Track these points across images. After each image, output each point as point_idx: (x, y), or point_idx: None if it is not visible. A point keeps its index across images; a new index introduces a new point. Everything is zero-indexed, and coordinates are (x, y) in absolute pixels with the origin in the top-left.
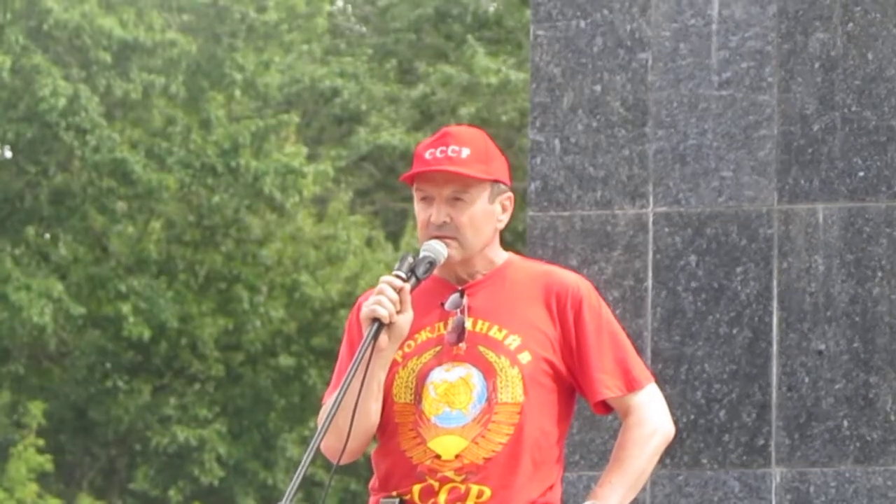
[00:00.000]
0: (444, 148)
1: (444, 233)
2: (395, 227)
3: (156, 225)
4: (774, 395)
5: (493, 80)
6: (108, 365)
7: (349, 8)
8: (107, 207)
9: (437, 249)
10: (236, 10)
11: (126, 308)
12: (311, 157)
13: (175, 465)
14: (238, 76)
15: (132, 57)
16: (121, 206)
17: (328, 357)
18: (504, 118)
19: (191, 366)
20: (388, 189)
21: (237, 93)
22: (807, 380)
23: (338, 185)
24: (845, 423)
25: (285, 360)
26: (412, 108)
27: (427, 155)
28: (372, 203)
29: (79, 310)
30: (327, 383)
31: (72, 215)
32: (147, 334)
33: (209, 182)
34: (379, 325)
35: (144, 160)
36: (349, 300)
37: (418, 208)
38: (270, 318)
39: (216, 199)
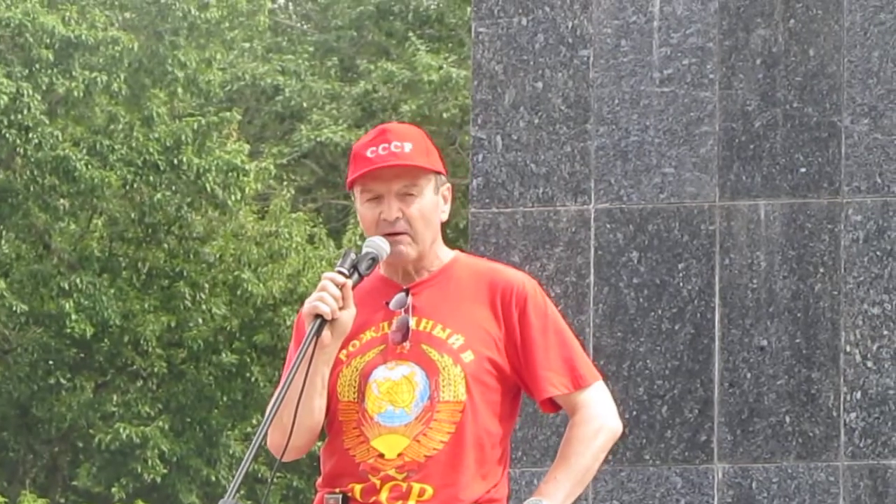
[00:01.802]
0: (385, 145)
1: (397, 229)
2: (338, 223)
3: (98, 222)
4: (717, 391)
5: (435, 76)
6: (51, 362)
7: (290, 5)
8: (49, 205)
9: (379, 245)
10: (178, 7)
11: (69, 305)
12: (253, 155)
13: (118, 462)
14: (180, 74)
15: (74, 54)
16: (63, 203)
17: (270, 354)
18: (445, 115)
19: (133, 363)
20: (330, 186)
21: (179, 90)
22: (749, 376)
23: (280, 183)
24: (787, 418)
25: (227, 357)
26: (354, 105)
27: (369, 153)
28: (314, 200)
29: (21, 307)
30: (269, 380)
31: (14, 213)
32: (90, 331)
33: (151, 179)
34: (321, 321)
35: (87, 157)
36: (291, 297)
37: (365, 209)
38: (213, 315)
39: (158, 196)
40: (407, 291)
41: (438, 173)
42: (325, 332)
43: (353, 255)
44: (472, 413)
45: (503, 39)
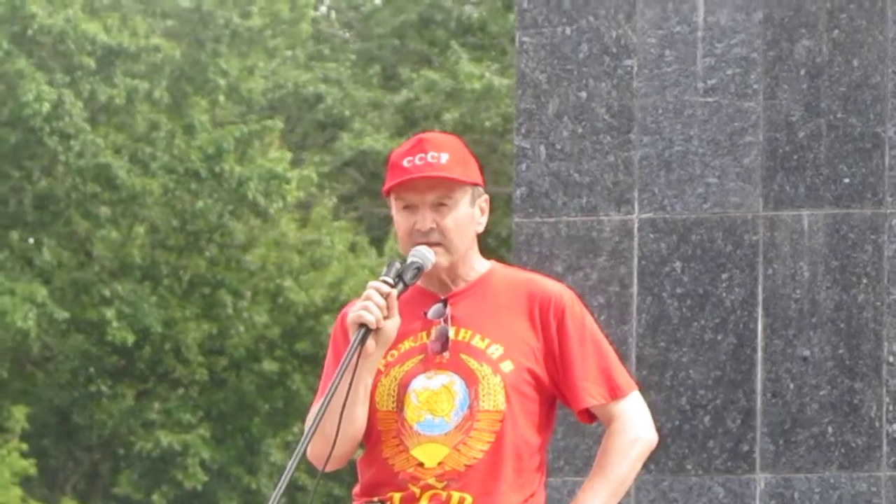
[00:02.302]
0: (422, 155)
1: (430, 239)
2: (379, 232)
3: (140, 230)
4: (759, 401)
5: (477, 85)
6: (92, 369)
7: (333, 14)
8: (91, 212)
9: (424, 255)
10: (220, 15)
11: (110, 313)
12: (295, 163)
13: (158, 469)
14: (222, 81)
15: (116, 62)
16: (105, 210)
17: (312, 362)
18: (487, 123)
19: (174, 370)
20: (372, 194)
21: (221, 98)
22: (791, 386)
23: (321, 191)
24: (830, 429)
25: (269, 366)
26: (396, 114)
27: (405, 163)
28: (356, 208)
29: (62, 314)
30: (311, 389)
31: (56, 220)
32: (131, 339)
33: (193, 187)
34: (366, 330)
35: (128, 165)
36: (333, 305)
37: (400, 217)
38: (254, 324)
39: (200, 204)
40: (445, 301)
41: (475, 185)
42: (370, 342)
43: (397, 265)
44: (511, 422)
45: (547, 49)
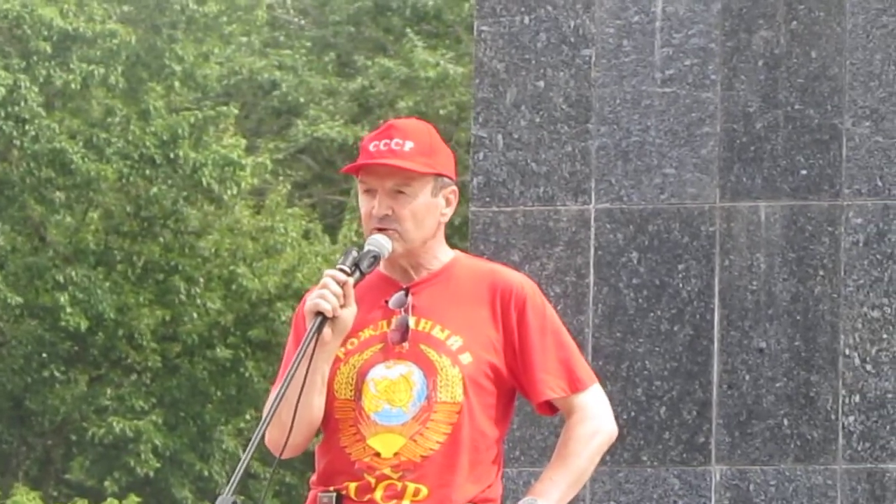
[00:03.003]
0: (387, 141)
1: (385, 225)
2: (333, 219)
3: (94, 215)
4: (715, 392)
5: (432, 73)
6: (45, 355)
7: (288, 0)
8: (45, 197)
9: (381, 244)
10: (176, 1)
11: (63, 298)
12: (250, 149)
13: (111, 455)
14: (177, 67)
15: (72, 47)
16: (59, 196)
17: (265, 349)
18: (442, 112)
19: (127, 356)
20: (326, 181)
21: (176, 84)
22: (747, 378)
23: (276, 178)
24: (786, 421)
25: (222, 352)
26: (351, 101)
27: (371, 147)
28: (310, 196)
29: (16, 299)
30: (264, 375)
31: (10, 205)
32: (84, 324)
33: (147, 173)
34: (322, 318)
35: (83, 150)
36: (286, 292)
37: (361, 200)
38: (207, 310)
39: (154, 190)
40: (406, 291)
41: (439, 175)
42: (326, 330)
43: (354, 253)
44: (468, 414)
45: (505, 38)
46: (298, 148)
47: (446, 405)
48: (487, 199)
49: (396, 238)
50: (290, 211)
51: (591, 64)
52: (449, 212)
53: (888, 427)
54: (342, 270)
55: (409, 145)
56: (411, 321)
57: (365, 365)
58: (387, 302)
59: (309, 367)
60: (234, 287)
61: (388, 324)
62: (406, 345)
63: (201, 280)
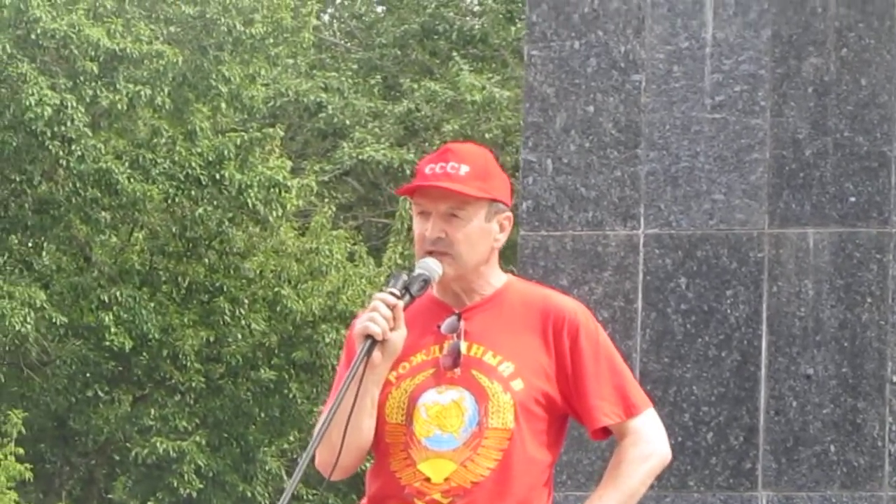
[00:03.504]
0: (443, 164)
1: (437, 248)
2: (378, 241)
3: (139, 236)
4: (762, 418)
5: (478, 97)
6: (89, 374)
7: (335, 23)
8: (91, 217)
9: (431, 267)
10: (223, 22)
11: (108, 318)
12: (295, 171)
13: (154, 476)
14: (224, 88)
15: (119, 67)
16: (104, 216)
17: (308, 371)
18: (488, 135)
19: (171, 377)
20: (371, 204)
21: (223, 105)
22: (794, 404)
23: (321, 199)
24: (832, 447)
25: (266, 373)
26: (396, 124)
27: (427, 170)
28: (354, 218)
29: (61, 319)
30: (307, 397)
31: (56, 224)
32: (128, 344)
33: (193, 194)
34: (372, 341)
35: (129, 171)
36: (330, 314)
37: (415, 222)
38: (252, 331)
39: (200, 210)
40: (459, 316)
41: (494, 200)
42: (376, 353)
43: (404, 276)
44: (519, 441)
45: (555, 63)
46: (344, 170)
47: (497, 431)
48: (536, 224)
49: (449, 262)
50: (334, 233)
51: (641, 89)
52: (503, 237)
53: None
54: (392, 293)
55: (464, 169)
56: (463, 346)
57: (416, 390)
58: (439, 327)
59: (359, 390)
60: (278, 308)
61: (440, 349)
62: (458, 370)
63: (246, 301)
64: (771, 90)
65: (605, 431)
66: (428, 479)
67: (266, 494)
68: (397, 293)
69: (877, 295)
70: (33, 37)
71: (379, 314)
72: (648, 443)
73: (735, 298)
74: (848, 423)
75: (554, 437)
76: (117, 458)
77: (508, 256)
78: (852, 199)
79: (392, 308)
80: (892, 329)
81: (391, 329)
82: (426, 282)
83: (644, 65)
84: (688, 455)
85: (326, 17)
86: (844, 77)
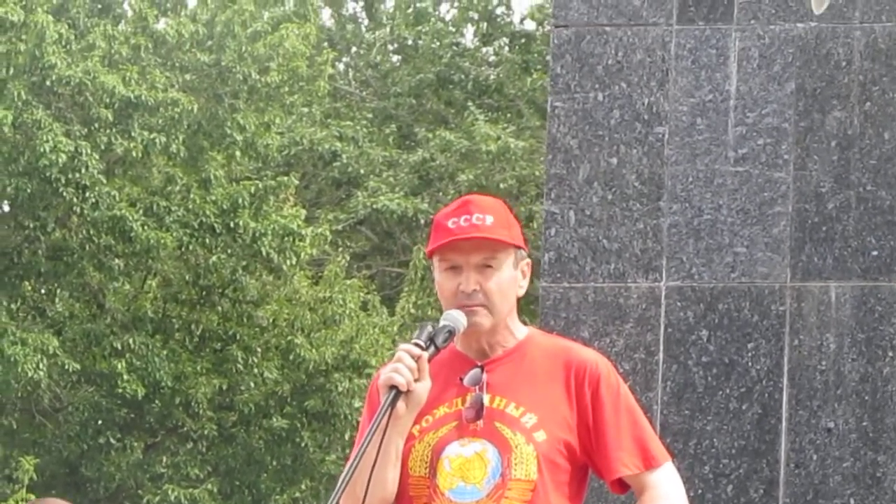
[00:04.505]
0: (467, 216)
1: (473, 301)
2: (391, 291)
3: (152, 283)
4: (782, 471)
5: (493, 146)
6: (101, 421)
7: (350, 72)
8: (104, 264)
9: (456, 319)
10: (239, 70)
11: (121, 365)
12: (309, 220)
13: None
14: (238, 137)
15: (133, 114)
16: (118, 263)
17: (321, 420)
18: (502, 185)
19: (184, 424)
20: (385, 253)
21: (237, 153)
22: (815, 457)
23: (335, 248)
24: (852, 501)
25: (278, 422)
26: (411, 173)
27: (451, 224)
28: (368, 267)
29: (73, 365)
30: (319, 446)
31: (69, 271)
32: (141, 392)
33: (207, 241)
34: (396, 392)
35: (143, 218)
36: (343, 363)
37: (443, 278)
38: (264, 380)
39: (213, 258)
40: (482, 368)
41: (518, 248)
42: (400, 404)
43: (429, 328)
44: (542, 492)
45: (579, 114)
46: (358, 219)
47: (521, 483)
48: (558, 275)
49: (484, 314)
50: (348, 282)
51: (665, 141)
52: (525, 284)
53: None
54: (417, 345)
55: (489, 219)
56: (486, 399)
57: (440, 442)
58: (461, 379)
59: (382, 441)
60: (291, 357)
61: (463, 401)
62: (481, 422)
63: (259, 349)
64: (794, 143)
65: (624, 484)
66: None
67: None
68: (422, 344)
69: None
70: (48, 83)
71: (404, 365)
72: (667, 497)
73: (756, 351)
74: (868, 477)
75: (576, 489)
76: None
77: (523, 308)
78: (874, 252)
79: (417, 359)
80: None
81: (416, 380)
82: (451, 333)
83: (667, 117)
84: None
85: (342, 66)
86: (868, 131)
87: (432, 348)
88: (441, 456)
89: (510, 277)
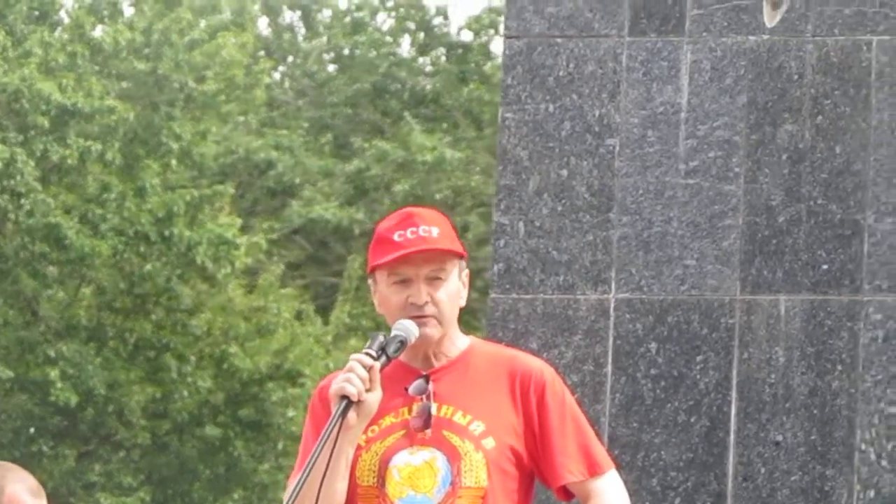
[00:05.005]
0: (413, 229)
1: (425, 312)
2: (325, 300)
3: (87, 291)
4: (730, 484)
5: (429, 157)
6: (34, 429)
7: (287, 81)
8: (38, 271)
9: (408, 329)
10: (175, 79)
11: (54, 373)
12: (245, 229)
13: None
14: (174, 145)
15: (70, 122)
16: (52, 270)
17: (254, 429)
18: (438, 196)
19: (117, 433)
20: (320, 263)
21: (173, 162)
22: (763, 470)
23: (269, 258)
24: None
25: (212, 431)
26: (346, 183)
27: (397, 237)
28: (303, 276)
29: (6, 373)
30: (252, 455)
31: (3, 278)
32: (74, 400)
33: (142, 250)
34: (348, 402)
35: (78, 226)
36: (277, 372)
37: (390, 291)
38: (198, 388)
39: (148, 267)
40: (427, 377)
41: (461, 258)
42: (351, 414)
43: (381, 338)
44: (492, 499)
45: (529, 125)
46: (293, 228)
47: (471, 490)
48: (507, 286)
49: (434, 325)
50: (282, 291)
51: (615, 153)
52: (465, 294)
53: None
54: (368, 354)
55: (435, 231)
56: (433, 407)
57: (388, 452)
58: (406, 389)
59: (333, 452)
60: (225, 366)
61: (409, 411)
62: (429, 431)
63: (193, 358)
64: (745, 156)
65: (568, 491)
66: None
67: None
68: (374, 354)
69: (847, 363)
70: None
71: (355, 375)
72: None
73: (705, 364)
74: (816, 491)
75: (523, 496)
76: None
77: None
78: (825, 266)
79: (368, 369)
80: (861, 397)
81: (367, 390)
82: (403, 343)
83: (618, 129)
84: None
85: (278, 75)
86: (819, 144)
87: (384, 358)
88: (389, 465)
89: (456, 288)
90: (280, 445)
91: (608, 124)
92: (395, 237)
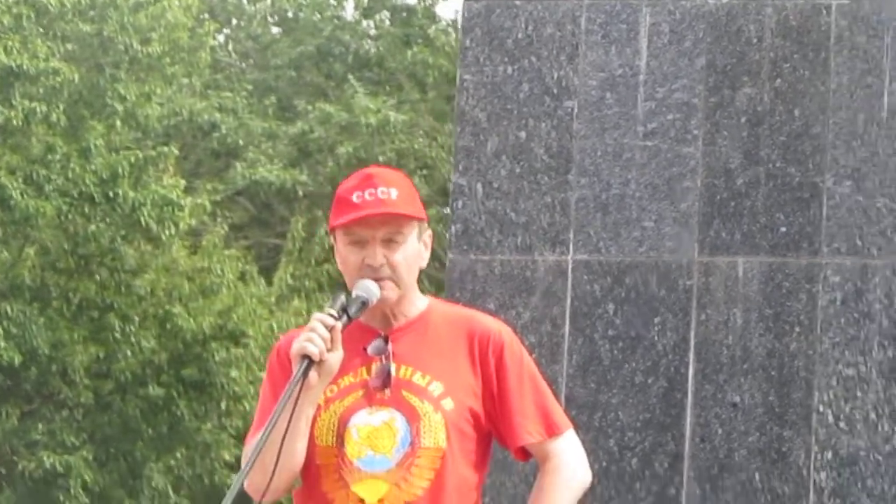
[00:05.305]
0: (372, 190)
1: (380, 275)
2: (268, 262)
3: (31, 251)
4: (687, 445)
5: (372, 119)
6: None
7: (231, 43)
8: None
9: (370, 289)
10: (120, 41)
11: None
12: (189, 190)
13: (40, 490)
14: (119, 107)
15: (14, 84)
16: None
17: (198, 389)
18: (381, 158)
19: (60, 392)
20: (263, 224)
21: (118, 123)
22: (720, 431)
23: (213, 219)
24: (757, 475)
25: (154, 391)
26: (290, 145)
27: (355, 198)
28: (246, 238)
29: None
30: (196, 415)
31: None
32: (18, 359)
33: (86, 211)
34: (309, 361)
35: (22, 186)
36: (221, 333)
37: (347, 251)
38: (141, 348)
39: (92, 227)
40: (386, 338)
41: (421, 220)
42: (312, 374)
43: (342, 298)
44: (451, 460)
45: (488, 87)
46: (236, 190)
47: (430, 451)
48: (465, 247)
49: (391, 287)
50: (226, 252)
51: (574, 116)
52: (426, 256)
53: (859, 484)
54: (330, 314)
55: (394, 193)
56: (392, 368)
57: (346, 412)
58: (365, 349)
59: (294, 412)
60: (168, 326)
61: (368, 371)
62: (388, 391)
63: (136, 318)
64: (704, 119)
65: (526, 451)
66: (362, 501)
67: None
68: (335, 314)
69: (805, 325)
70: None
71: (317, 334)
72: (569, 467)
73: (663, 326)
74: (773, 452)
75: (481, 457)
76: (3, 471)
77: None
78: (783, 229)
79: (330, 329)
80: (819, 359)
81: (329, 350)
82: (364, 303)
83: (577, 91)
84: (612, 480)
85: (222, 38)
86: (778, 108)
87: (345, 318)
88: (348, 425)
89: (415, 250)
90: (223, 405)
91: (567, 86)
92: (354, 198)
